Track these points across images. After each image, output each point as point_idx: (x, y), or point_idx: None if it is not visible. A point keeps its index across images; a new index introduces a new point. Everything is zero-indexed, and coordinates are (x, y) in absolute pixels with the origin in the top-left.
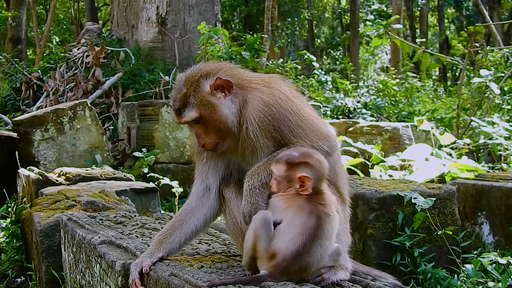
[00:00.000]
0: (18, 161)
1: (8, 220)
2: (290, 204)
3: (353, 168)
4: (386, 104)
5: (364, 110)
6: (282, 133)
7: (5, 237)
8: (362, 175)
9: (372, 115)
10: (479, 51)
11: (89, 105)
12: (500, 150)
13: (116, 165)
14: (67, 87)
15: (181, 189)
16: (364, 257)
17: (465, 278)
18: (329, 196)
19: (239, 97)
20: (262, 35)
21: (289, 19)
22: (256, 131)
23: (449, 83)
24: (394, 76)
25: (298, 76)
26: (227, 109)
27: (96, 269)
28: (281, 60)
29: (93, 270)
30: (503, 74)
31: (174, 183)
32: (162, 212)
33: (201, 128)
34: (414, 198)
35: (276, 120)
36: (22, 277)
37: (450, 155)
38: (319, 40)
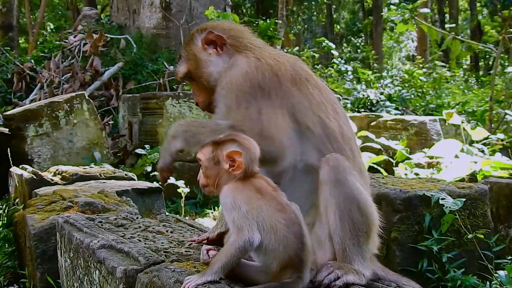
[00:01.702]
0: (10, 159)
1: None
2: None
3: (375, 166)
4: (412, 96)
5: (388, 103)
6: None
7: None
8: (385, 173)
9: (396, 108)
10: None
11: (87, 97)
12: None
13: (116, 163)
14: (63, 78)
15: (187, 189)
16: (388, 262)
17: (498, 286)
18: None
19: (231, 57)
20: (276, 20)
21: (306, 3)
22: (221, 94)
23: (481, 73)
24: (421, 65)
25: (315, 66)
26: (213, 67)
27: (95, 276)
28: (296, 48)
29: (92, 277)
30: None
31: (180, 183)
32: (167, 214)
33: (194, 85)
34: (442, 199)
35: (241, 92)
36: (15, 285)
37: (482, 151)
38: (338, 26)
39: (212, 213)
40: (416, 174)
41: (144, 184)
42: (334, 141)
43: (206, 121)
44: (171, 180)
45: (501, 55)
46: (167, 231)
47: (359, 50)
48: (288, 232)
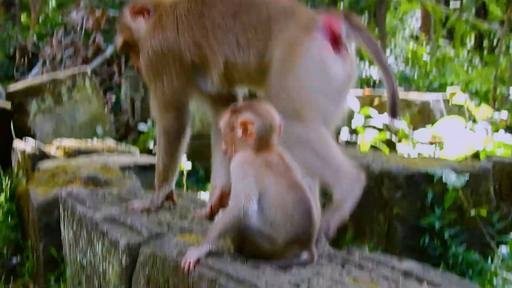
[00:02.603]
0: (13, 133)
1: (2, 196)
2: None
3: (378, 144)
4: (416, 75)
5: None
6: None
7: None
8: (388, 151)
9: (399, 87)
10: None
11: (90, 74)
12: None
13: (118, 139)
14: (65, 54)
15: (189, 165)
16: (389, 239)
17: (500, 262)
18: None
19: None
20: None
21: None
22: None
23: (485, 52)
24: (424, 44)
25: None
26: (141, 30)
27: (98, 248)
28: None
29: (95, 249)
30: None
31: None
32: None
33: (133, 54)
34: (445, 176)
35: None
36: (18, 256)
37: (486, 130)
38: (341, 4)
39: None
40: (419, 152)
41: (147, 160)
42: None
43: None
44: None
45: (506, 34)
46: (170, 206)
47: None
48: (295, 211)
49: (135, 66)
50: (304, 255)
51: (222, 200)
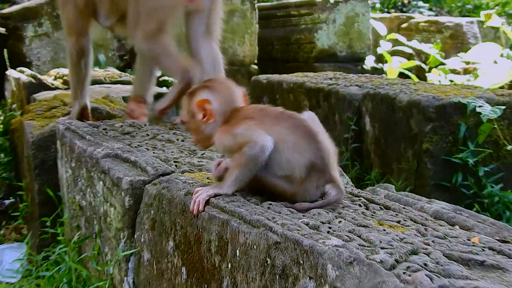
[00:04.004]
0: (7, 61)
1: None
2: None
3: (406, 72)
4: None
5: (420, 3)
6: None
7: None
8: (417, 79)
9: (430, 9)
10: None
11: None
12: None
13: (122, 66)
14: None
15: None
16: (418, 176)
17: None
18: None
19: None
20: None
21: None
22: None
23: None
24: None
25: None
26: None
27: (99, 188)
28: None
29: (96, 189)
30: None
31: None
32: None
33: None
34: (479, 107)
35: None
36: (11, 197)
37: None
38: None
39: None
40: (451, 80)
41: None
42: None
43: None
44: None
45: None
46: (177, 139)
47: None
48: (295, 137)
49: None
50: (330, 190)
51: None
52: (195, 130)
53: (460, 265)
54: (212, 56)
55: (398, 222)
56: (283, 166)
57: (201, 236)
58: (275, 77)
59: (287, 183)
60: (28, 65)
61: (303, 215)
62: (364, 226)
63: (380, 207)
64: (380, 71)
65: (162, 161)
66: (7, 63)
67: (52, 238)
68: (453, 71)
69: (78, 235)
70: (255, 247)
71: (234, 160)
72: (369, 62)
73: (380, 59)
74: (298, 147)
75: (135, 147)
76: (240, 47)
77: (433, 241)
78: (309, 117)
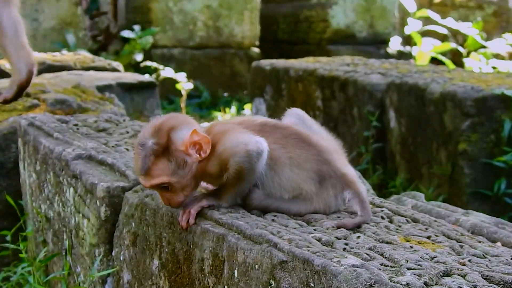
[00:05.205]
0: None
1: None
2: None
3: (440, 56)
4: None
5: None
6: None
7: None
8: (452, 66)
9: None
10: None
11: None
12: None
13: (96, 49)
14: None
15: (190, 85)
16: (453, 183)
17: None
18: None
19: None
20: None
21: None
22: None
23: None
24: None
25: None
26: None
27: (69, 195)
28: None
29: (65, 197)
30: None
31: (180, 76)
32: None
33: None
34: None
35: None
36: None
37: None
38: None
39: (222, 116)
40: (494, 67)
41: (133, 77)
42: None
43: None
44: (167, 72)
45: None
46: None
47: None
48: (288, 150)
49: None
50: (351, 197)
51: None
52: (186, 185)
53: None
54: (12, 22)
55: (428, 237)
56: (287, 188)
57: (192, 254)
58: (281, 62)
59: (300, 204)
60: None
61: (314, 229)
62: (387, 242)
63: (406, 220)
64: (407, 56)
65: None
66: None
67: (13, 256)
68: (496, 56)
69: (45, 252)
70: (256, 266)
71: (228, 175)
72: (395, 44)
73: (408, 41)
74: (295, 161)
75: (112, 146)
76: (238, 26)
77: (469, 261)
78: (295, 118)
